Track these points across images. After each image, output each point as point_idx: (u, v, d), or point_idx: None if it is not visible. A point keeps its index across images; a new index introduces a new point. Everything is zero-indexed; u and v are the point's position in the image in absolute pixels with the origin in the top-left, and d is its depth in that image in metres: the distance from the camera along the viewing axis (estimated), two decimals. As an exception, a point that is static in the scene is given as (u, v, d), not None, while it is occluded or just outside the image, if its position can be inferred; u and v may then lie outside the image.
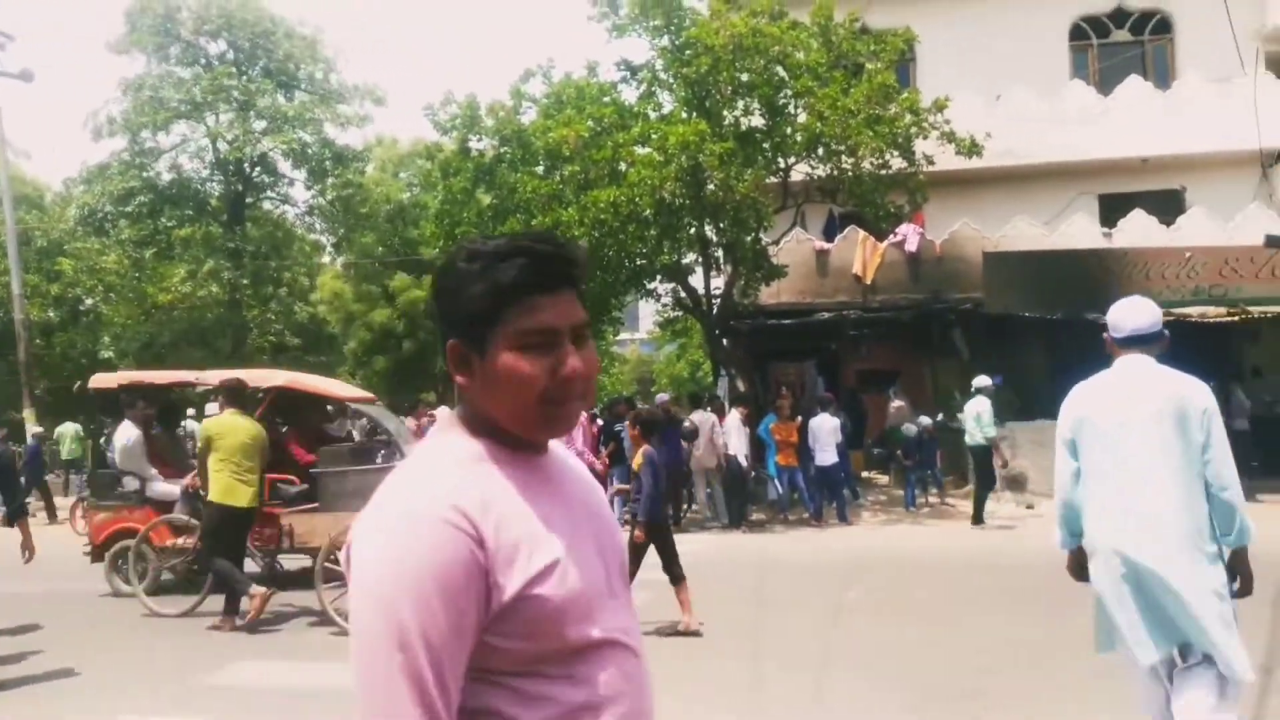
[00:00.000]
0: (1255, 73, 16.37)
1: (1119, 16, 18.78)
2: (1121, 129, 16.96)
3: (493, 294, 1.24)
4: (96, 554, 8.99)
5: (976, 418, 11.64)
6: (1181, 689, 3.17)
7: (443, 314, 1.29)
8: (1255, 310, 14.41)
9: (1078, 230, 16.55)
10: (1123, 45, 18.86)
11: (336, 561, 7.10)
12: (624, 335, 37.09)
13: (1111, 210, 17.33)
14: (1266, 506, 10.44)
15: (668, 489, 6.62)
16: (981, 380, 11.91)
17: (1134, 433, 3.26)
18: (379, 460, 8.39)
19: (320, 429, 9.87)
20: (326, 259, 29.88)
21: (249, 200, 23.14)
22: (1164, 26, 18.65)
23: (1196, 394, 3.23)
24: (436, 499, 1.18)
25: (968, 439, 11.90)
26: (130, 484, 9.10)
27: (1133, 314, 3.39)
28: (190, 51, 21.95)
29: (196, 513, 8.05)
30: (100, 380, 9.87)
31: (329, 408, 10.57)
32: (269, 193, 23.81)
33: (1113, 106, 17.31)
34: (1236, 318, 14.28)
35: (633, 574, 6.80)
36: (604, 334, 20.06)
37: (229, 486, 7.21)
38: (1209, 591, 3.14)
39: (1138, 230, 16.28)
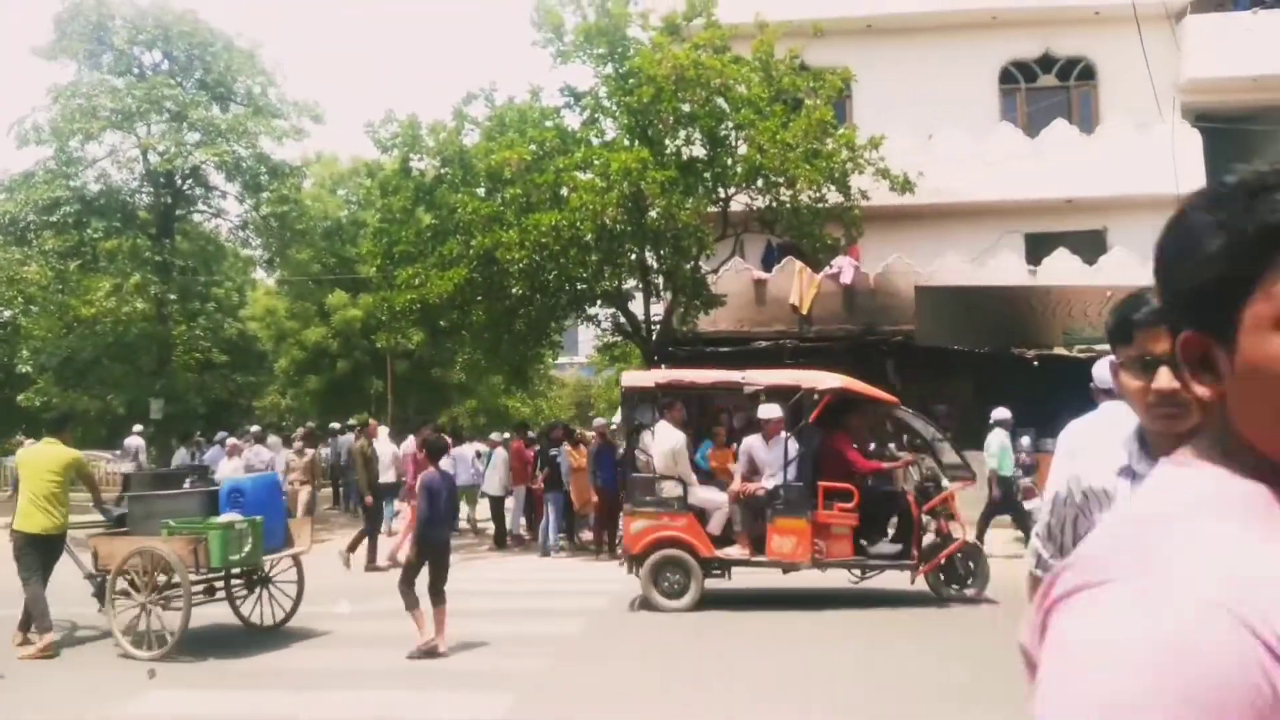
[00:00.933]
0: (1173, 120, 17.14)
1: (1046, 62, 19.49)
2: (1047, 171, 17.57)
3: (1247, 246, 0.79)
4: (634, 563, 8.32)
5: (1001, 450, 11.55)
6: None
7: (1166, 292, 0.86)
8: (1173, 348, 14.93)
9: (1005, 267, 17.05)
10: (1049, 90, 19.58)
11: (129, 584, 6.97)
12: (563, 359, 37.00)
13: (1037, 248, 17.91)
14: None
15: (450, 511, 6.95)
16: (1000, 413, 11.77)
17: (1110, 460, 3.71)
18: (186, 485, 8.24)
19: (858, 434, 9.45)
20: (260, 274, 29.25)
21: (179, 213, 22.56)
22: (1088, 73, 19.41)
23: None
24: (1213, 578, 0.73)
25: (997, 470, 11.63)
26: (671, 489, 8.48)
27: (1110, 370, 3.99)
28: (123, 60, 21.41)
29: (747, 520, 7.95)
30: (634, 379, 9.07)
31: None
32: (200, 206, 23.26)
33: (1039, 149, 17.93)
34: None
35: (409, 594, 6.90)
36: (542, 357, 19.98)
37: (24, 513, 7.36)
38: None
39: (1061, 268, 16.84)
